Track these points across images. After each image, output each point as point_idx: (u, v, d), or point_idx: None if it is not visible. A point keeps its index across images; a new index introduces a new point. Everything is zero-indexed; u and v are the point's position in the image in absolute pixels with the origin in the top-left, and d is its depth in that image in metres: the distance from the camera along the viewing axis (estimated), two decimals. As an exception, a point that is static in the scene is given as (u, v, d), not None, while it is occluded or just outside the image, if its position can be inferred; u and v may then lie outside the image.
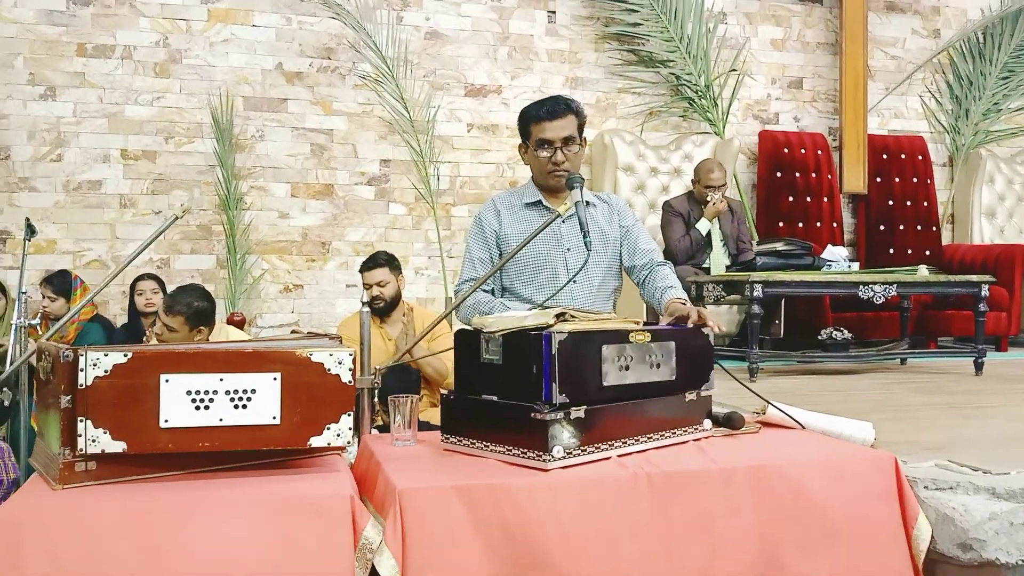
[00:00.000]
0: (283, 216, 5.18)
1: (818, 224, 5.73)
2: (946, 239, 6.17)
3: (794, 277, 3.87)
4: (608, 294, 2.67)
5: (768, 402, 2.33)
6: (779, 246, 4.19)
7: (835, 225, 5.79)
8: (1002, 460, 2.06)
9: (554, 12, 5.59)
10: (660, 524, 1.78)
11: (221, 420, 1.69)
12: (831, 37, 6.06)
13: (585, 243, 2.31)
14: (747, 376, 3.60)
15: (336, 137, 5.25)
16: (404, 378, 3.48)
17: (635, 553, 1.75)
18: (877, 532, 1.90)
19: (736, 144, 5.63)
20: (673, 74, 5.68)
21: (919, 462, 2.07)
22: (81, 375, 1.62)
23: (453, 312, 2.45)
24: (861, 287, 3.79)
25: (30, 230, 3.28)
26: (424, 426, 2.40)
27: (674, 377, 2.06)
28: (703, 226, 4.76)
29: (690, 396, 2.11)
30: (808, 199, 5.75)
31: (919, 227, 6.00)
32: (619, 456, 1.90)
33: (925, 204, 6.02)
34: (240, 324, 4.67)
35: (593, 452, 1.86)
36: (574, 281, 2.50)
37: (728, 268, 4.59)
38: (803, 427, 2.27)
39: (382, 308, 3.76)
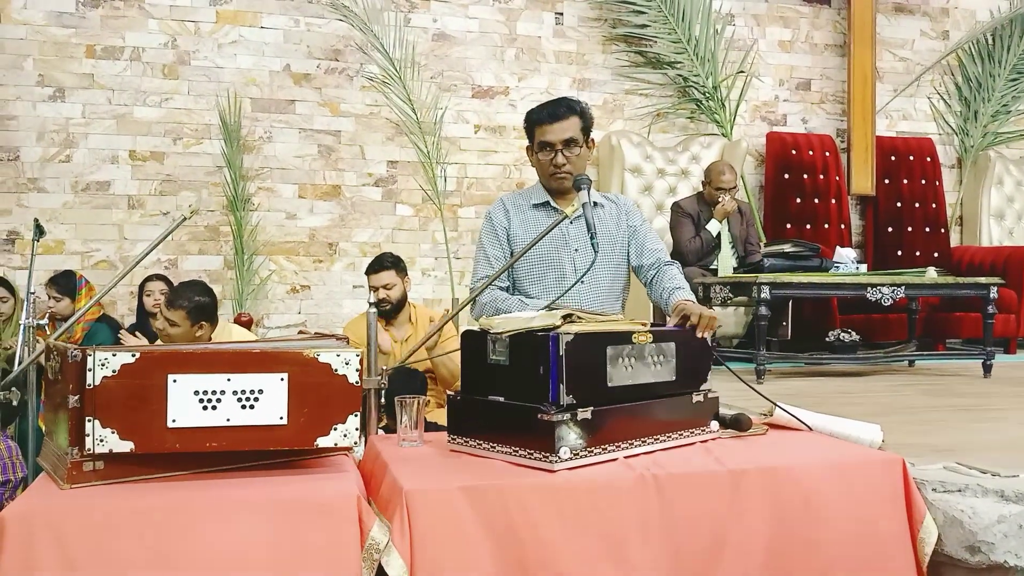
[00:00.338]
0: (290, 217, 5.19)
1: (826, 226, 5.72)
2: (955, 241, 6.14)
3: (801, 279, 3.86)
4: (617, 295, 2.67)
5: (775, 404, 2.32)
6: (787, 248, 4.19)
7: (843, 227, 5.77)
8: (1011, 463, 2.05)
9: (561, 14, 5.59)
10: (667, 525, 1.77)
11: (228, 420, 1.70)
12: (839, 39, 6.04)
13: (592, 244, 2.32)
14: (754, 378, 3.59)
15: (343, 138, 5.26)
16: (409, 382, 3.47)
17: (642, 555, 1.74)
18: (883, 534, 1.89)
19: (744, 146, 5.62)
20: (680, 75, 5.67)
21: (927, 464, 2.06)
22: (89, 375, 1.63)
23: (461, 312, 2.44)
24: (869, 289, 3.77)
25: (39, 231, 3.29)
26: (431, 427, 2.40)
27: (675, 377, 2.06)
28: (713, 227, 4.74)
29: (697, 397, 2.11)
30: (816, 201, 5.74)
31: (927, 229, 5.98)
32: (626, 457, 1.89)
33: (933, 206, 6.00)
34: (247, 324, 4.68)
35: (600, 453, 1.86)
36: (581, 282, 2.50)
37: (736, 270, 4.58)
38: (811, 429, 2.27)
39: (389, 310, 3.76)
